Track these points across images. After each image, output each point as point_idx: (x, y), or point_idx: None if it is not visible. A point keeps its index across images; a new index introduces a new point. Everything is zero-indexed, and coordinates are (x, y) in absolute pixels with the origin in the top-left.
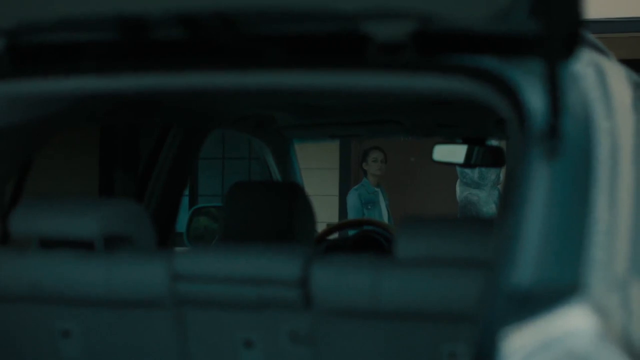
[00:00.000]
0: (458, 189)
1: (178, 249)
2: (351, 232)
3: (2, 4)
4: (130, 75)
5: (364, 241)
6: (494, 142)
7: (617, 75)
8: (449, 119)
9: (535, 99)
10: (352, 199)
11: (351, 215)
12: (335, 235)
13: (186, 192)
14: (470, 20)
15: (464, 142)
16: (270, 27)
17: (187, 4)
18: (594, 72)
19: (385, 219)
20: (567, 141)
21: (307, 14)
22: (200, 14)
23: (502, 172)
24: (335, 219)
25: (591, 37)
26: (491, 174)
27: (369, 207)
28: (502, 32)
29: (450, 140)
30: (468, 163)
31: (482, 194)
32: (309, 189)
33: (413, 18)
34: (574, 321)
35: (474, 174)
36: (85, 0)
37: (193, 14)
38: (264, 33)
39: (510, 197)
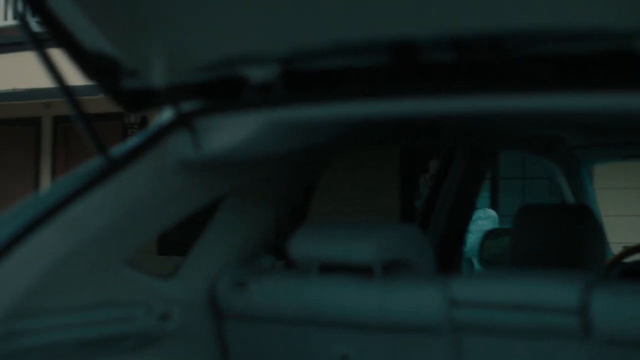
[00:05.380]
0: None
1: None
2: None
3: (276, 32)
4: (401, 99)
5: None
6: None
7: None
8: None
9: None
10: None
11: None
12: (634, 258)
13: None
14: None
15: None
16: (540, 48)
17: (455, 26)
18: None
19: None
20: None
21: (577, 34)
22: (469, 36)
23: None
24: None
25: None
26: None
27: None
28: None
29: None
30: None
31: None
32: (612, 210)
33: None
34: None
35: None
36: (356, 25)
37: (461, 36)
38: (533, 54)
39: None
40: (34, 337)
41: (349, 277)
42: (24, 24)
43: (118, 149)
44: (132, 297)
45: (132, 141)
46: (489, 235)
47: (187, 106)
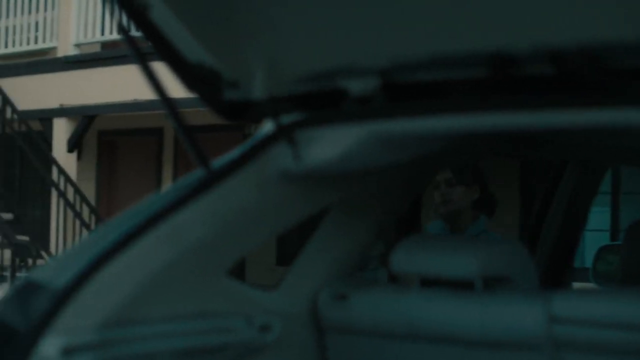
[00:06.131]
0: None
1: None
2: None
3: (376, 44)
4: (501, 112)
5: None
6: None
7: None
8: None
9: None
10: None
11: None
12: None
13: (607, 227)
14: None
15: None
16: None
17: (553, 38)
18: None
19: None
20: None
21: None
22: (567, 49)
23: None
24: None
25: None
26: None
27: None
28: None
29: None
30: None
31: None
32: None
33: None
34: None
35: None
36: (456, 38)
37: (560, 48)
38: (633, 67)
39: None
40: (132, 345)
41: (450, 291)
42: (127, 37)
43: (220, 161)
44: (232, 308)
45: (234, 153)
46: (604, 250)
47: (287, 118)
